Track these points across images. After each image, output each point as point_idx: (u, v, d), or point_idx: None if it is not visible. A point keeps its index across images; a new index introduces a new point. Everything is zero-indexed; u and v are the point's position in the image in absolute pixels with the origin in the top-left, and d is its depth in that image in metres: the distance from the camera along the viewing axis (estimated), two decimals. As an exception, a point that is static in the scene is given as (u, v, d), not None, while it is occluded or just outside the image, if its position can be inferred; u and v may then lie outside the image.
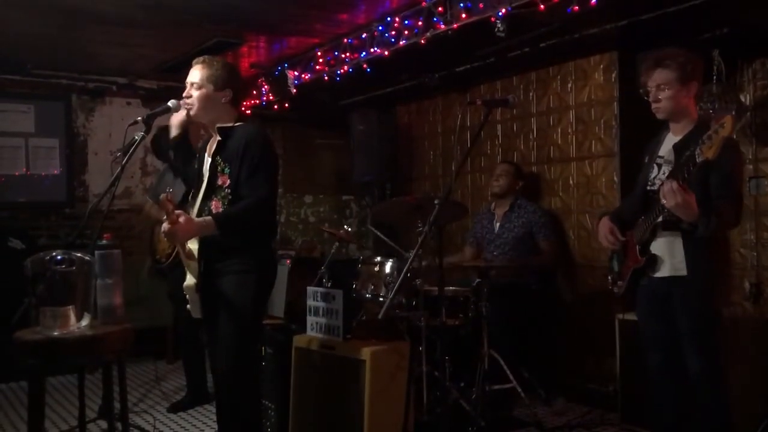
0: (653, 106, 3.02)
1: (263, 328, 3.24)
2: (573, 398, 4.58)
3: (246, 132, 3.03)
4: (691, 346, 2.96)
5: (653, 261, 3.04)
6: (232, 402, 3.05)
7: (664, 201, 2.77)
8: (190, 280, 3.07)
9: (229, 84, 3.06)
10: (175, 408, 4.68)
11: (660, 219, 2.94)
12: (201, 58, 3.10)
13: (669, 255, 3.00)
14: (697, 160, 2.64)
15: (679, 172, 2.77)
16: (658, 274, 3.05)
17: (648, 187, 3.10)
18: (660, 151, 3.11)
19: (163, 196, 2.75)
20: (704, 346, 2.95)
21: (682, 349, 3.00)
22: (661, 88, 2.96)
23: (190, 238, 2.97)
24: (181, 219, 2.80)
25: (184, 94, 3.05)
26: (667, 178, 2.86)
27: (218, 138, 3.07)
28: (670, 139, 3.07)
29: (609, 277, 3.32)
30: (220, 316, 3.02)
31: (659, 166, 3.07)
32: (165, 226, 2.80)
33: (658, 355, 3.14)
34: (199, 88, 3.02)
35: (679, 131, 3.03)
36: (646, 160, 3.19)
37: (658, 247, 3.03)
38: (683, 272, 2.96)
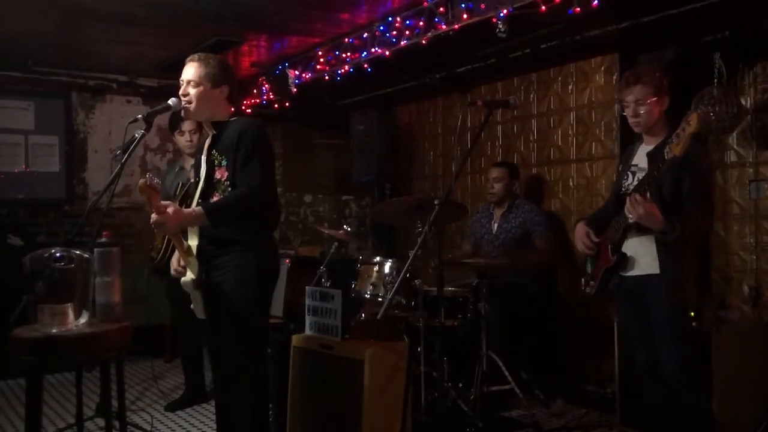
0: (632, 120, 3.16)
1: (267, 327, 3.19)
2: (571, 400, 4.56)
3: (240, 123, 3.02)
4: (664, 343, 3.03)
5: (624, 260, 3.13)
6: (234, 405, 2.99)
7: (629, 214, 2.93)
8: (188, 276, 3.03)
9: (224, 81, 3.05)
10: (172, 406, 4.66)
11: (631, 220, 3.01)
12: (195, 56, 3.07)
13: (641, 254, 3.09)
14: (666, 158, 2.78)
15: (648, 177, 2.91)
16: (630, 273, 3.14)
17: (621, 192, 3.20)
18: (633, 159, 3.24)
19: (142, 181, 2.68)
20: (677, 343, 3.01)
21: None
22: (639, 103, 3.10)
23: (179, 229, 2.93)
24: (169, 209, 2.76)
25: (180, 92, 3.03)
26: (633, 189, 3.00)
27: (212, 132, 3.06)
28: (643, 149, 3.20)
29: (582, 279, 3.41)
30: (222, 315, 2.98)
31: (633, 174, 3.21)
32: (153, 216, 2.75)
33: (643, 354, 3.20)
34: (197, 85, 3.00)
35: (652, 141, 3.16)
36: (620, 169, 3.32)
37: (630, 246, 3.13)
38: (656, 270, 3.04)
